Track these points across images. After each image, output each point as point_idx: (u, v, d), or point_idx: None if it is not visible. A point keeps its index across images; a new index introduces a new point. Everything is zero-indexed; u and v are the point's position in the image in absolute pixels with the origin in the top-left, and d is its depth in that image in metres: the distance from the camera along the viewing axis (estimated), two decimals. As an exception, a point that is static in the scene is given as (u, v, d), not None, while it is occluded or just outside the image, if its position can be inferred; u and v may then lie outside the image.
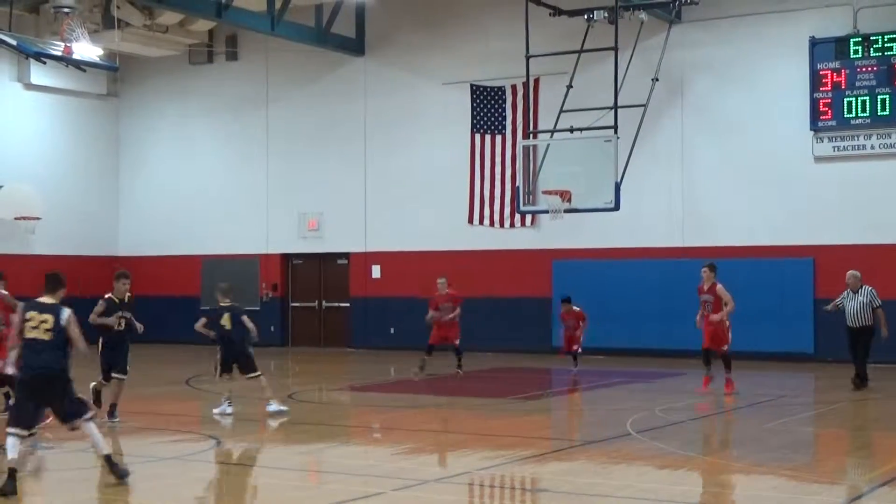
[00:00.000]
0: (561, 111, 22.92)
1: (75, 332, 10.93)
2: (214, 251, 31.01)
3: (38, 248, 29.70)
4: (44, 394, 10.74)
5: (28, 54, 25.72)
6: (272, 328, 30.16)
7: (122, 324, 15.07)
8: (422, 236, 28.07)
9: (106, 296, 15.30)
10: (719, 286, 17.98)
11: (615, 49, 21.62)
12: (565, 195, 21.49)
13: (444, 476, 11.61)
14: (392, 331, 28.57)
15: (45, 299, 11.37)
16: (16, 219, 28.73)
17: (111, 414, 15.11)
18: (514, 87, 26.31)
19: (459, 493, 11.02)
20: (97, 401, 15.03)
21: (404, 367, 23.66)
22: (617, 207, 21.39)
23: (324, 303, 30.34)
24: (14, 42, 24.93)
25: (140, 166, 32.54)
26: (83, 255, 30.95)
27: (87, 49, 25.27)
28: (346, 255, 29.71)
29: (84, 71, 27.65)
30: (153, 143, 32.28)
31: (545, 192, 21.95)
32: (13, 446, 10.38)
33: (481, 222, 27.12)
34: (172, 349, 28.14)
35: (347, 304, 29.77)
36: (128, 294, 15.50)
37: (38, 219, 29.04)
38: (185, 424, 16.33)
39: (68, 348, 10.97)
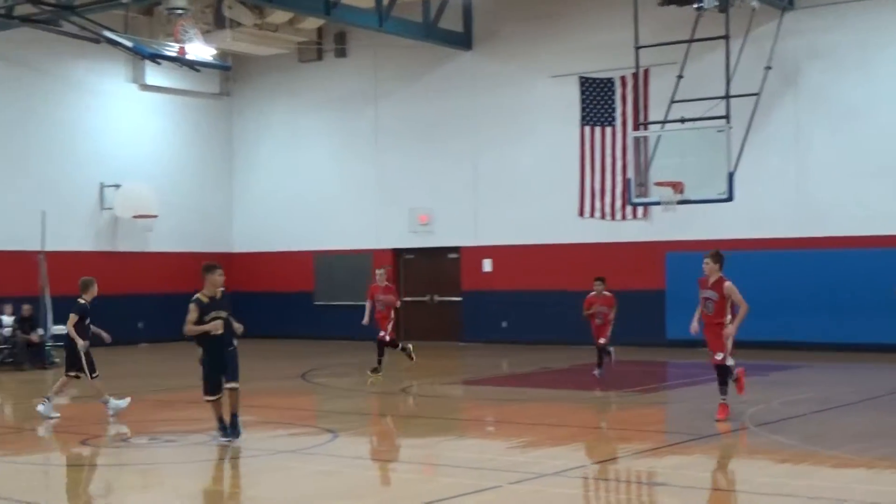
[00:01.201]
0: (672, 101, 22.70)
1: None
2: (326, 247, 31.33)
3: (155, 246, 30.37)
4: None
5: (143, 56, 26.31)
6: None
7: (221, 326, 12.71)
8: (532, 229, 27.99)
9: (195, 297, 12.92)
10: (728, 283, 14.55)
11: (726, 38, 21.38)
12: (678, 186, 21.30)
13: (560, 470, 11.60)
14: (504, 324, 28.59)
15: None
16: (134, 217, 29.44)
17: (234, 426, 13.10)
18: (623, 79, 26.13)
19: (576, 487, 11.00)
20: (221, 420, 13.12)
21: (516, 362, 23.70)
22: (730, 198, 21.13)
23: (435, 297, 30.45)
24: (130, 44, 25.50)
25: (253, 163, 33.00)
26: (199, 252, 31.47)
27: (200, 49, 25.75)
28: (456, 250, 29.78)
29: (198, 71, 28.18)
30: (265, 141, 32.71)
31: (657, 184, 21.77)
32: None
33: (592, 215, 26.98)
34: (287, 344, 28.51)
35: (459, 298, 29.84)
36: (221, 289, 12.99)
37: (154, 217, 29.70)
38: (303, 418, 16.55)
39: None
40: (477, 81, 29.15)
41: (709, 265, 14.99)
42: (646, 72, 24.56)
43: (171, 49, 25.46)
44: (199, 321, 12.68)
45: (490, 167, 28.93)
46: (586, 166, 26.97)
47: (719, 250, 15.29)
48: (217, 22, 27.58)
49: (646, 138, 23.01)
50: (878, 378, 19.22)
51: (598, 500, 10.77)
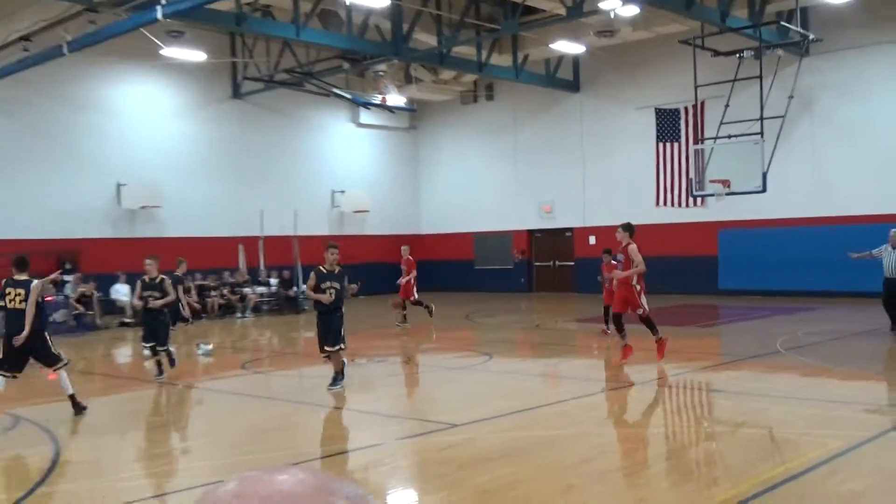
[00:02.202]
0: (721, 123, 22.04)
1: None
2: (481, 229, 31.50)
3: (367, 230, 30.94)
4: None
5: (358, 104, 26.83)
6: (522, 280, 30.47)
7: (333, 294, 10.99)
8: (623, 214, 27.48)
9: (316, 267, 11.41)
10: (632, 246, 12.64)
11: (760, 77, 20.62)
12: (726, 183, 20.73)
13: (645, 380, 11.49)
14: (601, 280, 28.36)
15: (18, 276, 9.86)
16: (354, 211, 30.05)
17: (333, 380, 11.20)
18: (686, 109, 25.43)
19: (658, 393, 10.90)
20: (341, 371, 11.24)
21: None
22: (764, 190, 20.47)
23: (556, 262, 30.32)
24: (349, 96, 26.03)
25: (432, 174, 33.31)
26: (397, 234, 32.05)
27: (395, 98, 26.10)
28: (570, 230, 29.56)
29: (393, 113, 28.61)
30: (440, 158, 32.97)
31: (711, 181, 21.21)
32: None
33: (665, 204, 26.39)
34: (455, 295, 28.79)
35: (572, 263, 29.66)
36: (337, 265, 11.26)
37: (367, 211, 30.27)
38: (467, 345, 16.72)
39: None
40: (584, 113, 28.81)
41: (620, 233, 12.80)
42: (702, 103, 23.84)
43: (377, 99, 25.90)
44: (317, 288, 11.04)
45: (593, 172, 28.59)
46: (660, 170, 26.38)
47: (630, 223, 13.07)
48: (406, 79, 27.89)
49: (703, 150, 22.42)
50: (874, 316, 18.45)
51: (671, 401, 10.63)
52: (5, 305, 9.76)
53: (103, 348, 18.53)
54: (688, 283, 26.19)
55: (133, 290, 22.69)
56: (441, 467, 7.10)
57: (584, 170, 28.94)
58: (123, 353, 18.10)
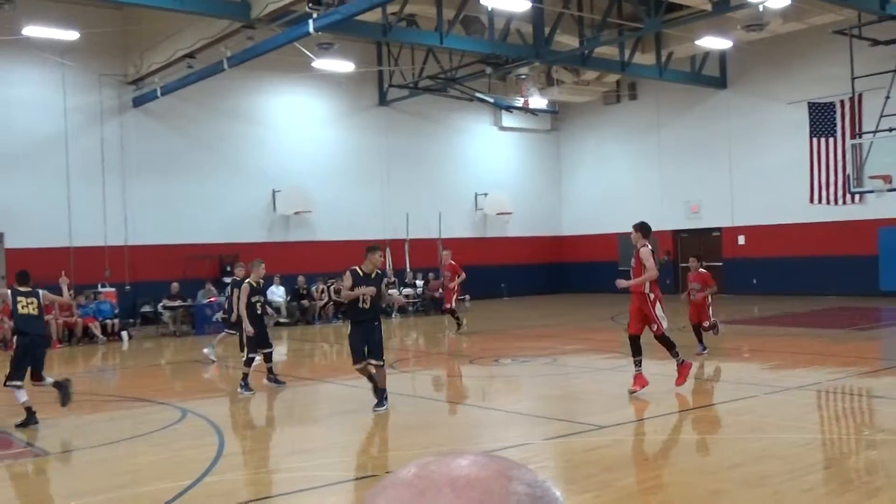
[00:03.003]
0: (881, 116, 20.87)
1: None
2: (625, 230, 30.85)
3: (510, 233, 31.03)
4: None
5: (501, 107, 26.97)
6: (668, 281, 29.72)
7: (368, 301, 9.85)
8: (774, 213, 26.57)
9: (353, 268, 10.11)
10: (645, 249, 10.73)
11: (924, 66, 19.44)
12: (887, 178, 19.61)
13: (801, 385, 11.01)
14: (754, 281, 27.31)
15: (22, 288, 10.30)
16: (497, 214, 30.20)
17: (378, 401, 10.07)
18: (842, 102, 24.21)
19: (815, 398, 10.42)
20: (384, 388, 10.13)
21: (764, 308, 22.56)
22: (930, 185, 19.27)
23: (703, 262, 29.39)
24: (492, 100, 26.22)
25: (574, 175, 33.04)
26: (538, 236, 32.03)
27: (537, 101, 26.08)
28: (718, 229, 28.66)
29: (536, 115, 28.59)
30: (582, 159, 32.66)
31: (871, 177, 20.12)
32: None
33: (819, 201, 25.20)
34: (599, 297, 28.42)
35: (720, 263, 28.72)
36: (377, 270, 10.06)
37: (510, 213, 30.35)
38: (613, 347, 16.49)
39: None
40: (731, 110, 27.88)
41: (633, 234, 10.98)
42: (860, 95, 22.67)
43: (519, 102, 25.96)
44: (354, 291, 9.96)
45: (741, 170, 27.60)
46: (814, 166, 25.20)
47: (644, 222, 11.21)
48: (548, 81, 27.79)
49: (861, 144, 21.29)
50: None
51: (829, 407, 10.15)
52: (16, 311, 10.16)
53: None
54: (845, 283, 24.89)
55: (288, 291, 23.70)
56: (588, 468, 7.06)
57: (731, 168, 27.99)
58: (278, 352, 18.87)
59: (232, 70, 20.68)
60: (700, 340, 13.95)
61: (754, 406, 9.77)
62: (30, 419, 9.80)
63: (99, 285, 21.96)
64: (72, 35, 19.90)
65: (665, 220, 29.87)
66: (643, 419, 8.88)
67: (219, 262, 24.02)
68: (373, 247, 10.17)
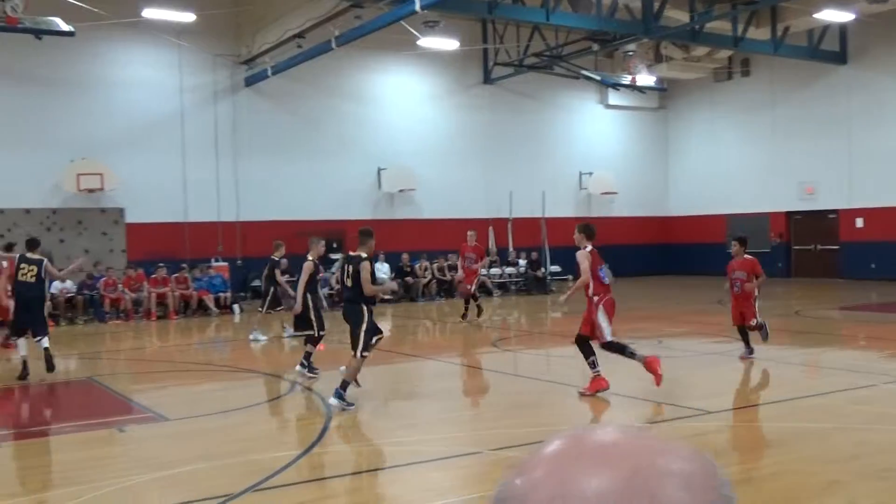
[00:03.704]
0: None
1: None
2: (735, 210, 30.06)
3: (615, 212, 30.56)
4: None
5: (607, 84, 26.54)
6: (779, 265, 28.76)
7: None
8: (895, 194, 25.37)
9: (365, 257, 9.13)
10: (581, 252, 9.57)
11: None
12: None
13: (923, 375, 10.50)
14: (873, 266, 26.14)
15: (31, 255, 11.51)
16: (602, 194, 29.78)
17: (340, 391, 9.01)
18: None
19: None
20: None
21: (884, 294, 21.61)
22: None
23: (818, 246, 28.35)
24: (598, 77, 25.81)
25: (681, 155, 32.24)
26: (643, 216, 31.46)
27: (645, 78, 25.53)
28: (834, 211, 27.48)
29: (643, 93, 28.00)
30: (690, 139, 31.83)
31: None
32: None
33: (946, 183, 23.93)
34: (706, 279, 27.74)
35: (837, 247, 27.60)
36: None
37: (615, 193, 29.88)
38: (721, 331, 16.06)
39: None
40: (851, 87, 26.57)
41: (576, 235, 9.69)
42: None
43: (626, 79, 25.47)
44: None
45: (861, 149, 26.30)
46: (942, 146, 23.88)
47: (587, 224, 9.86)
48: (656, 58, 27.13)
49: None
50: None
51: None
52: (17, 276, 11.41)
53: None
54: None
55: (392, 269, 23.99)
56: (695, 454, 6.90)
57: (850, 147, 26.74)
58: (381, 328, 19.14)
59: (339, 49, 20.96)
60: (746, 342, 11.81)
61: (874, 396, 9.37)
62: (24, 372, 11.30)
63: (212, 260, 22.71)
64: (188, 17, 20.54)
65: (777, 202, 28.90)
66: (754, 405, 8.62)
67: (325, 239, 24.47)
68: (364, 231, 9.39)
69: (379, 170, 25.93)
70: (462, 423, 8.62)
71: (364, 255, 9.12)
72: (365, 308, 9.13)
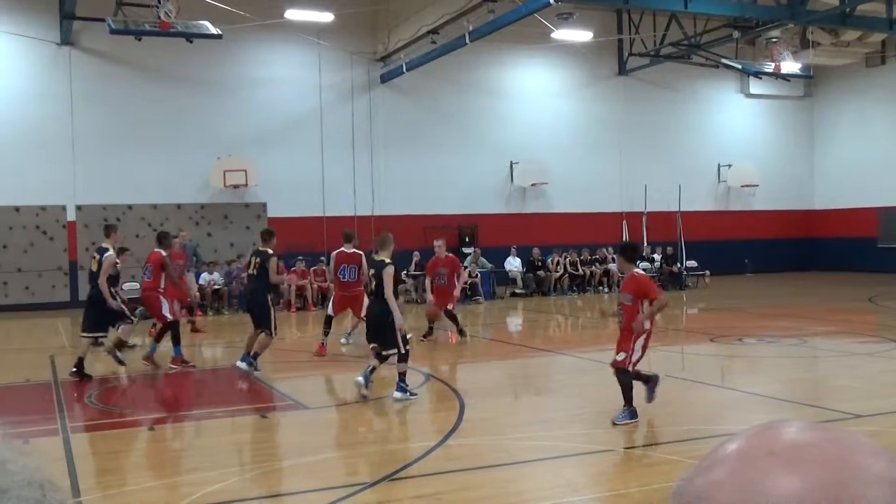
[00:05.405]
0: None
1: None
2: (888, 203, 28.38)
3: (755, 206, 29.50)
4: None
5: (749, 73, 25.58)
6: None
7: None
8: None
9: (389, 262, 9.24)
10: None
11: None
12: None
13: None
14: None
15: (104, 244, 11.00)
16: (742, 186, 28.78)
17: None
18: None
19: None
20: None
21: None
22: None
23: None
24: (739, 66, 24.91)
25: (829, 146, 30.73)
26: (786, 210, 30.22)
27: (790, 65, 24.45)
28: None
29: (787, 81, 26.79)
30: (839, 128, 30.28)
31: None
32: None
33: None
34: (854, 276, 26.38)
35: None
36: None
37: (756, 185, 28.83)
38: (870, 330, 15.24)
39: None
40: None
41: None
42: None
43: (769, 67, 24.47)
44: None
45: None
46: None
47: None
48: (802, 44, 25.92)
49: None
50: None
51: None
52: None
53: (494, 316, 19.75)
54: None
55: (524, 263, 23.94)
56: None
57: None
58: (513, 322, 19.16)
59: (472, 44, 21.04)
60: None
61: None
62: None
63: (348, 253, 23.25)
64: (327, 17, 21.12)
65: (936, 194, 27.12)
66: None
67: (457, 232, 24.68)
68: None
69: (511, 164, 25.91)
70: (595, 420, 8.51)
71: (387, 259, 9.27)
72: (389, 307, 9.11)
